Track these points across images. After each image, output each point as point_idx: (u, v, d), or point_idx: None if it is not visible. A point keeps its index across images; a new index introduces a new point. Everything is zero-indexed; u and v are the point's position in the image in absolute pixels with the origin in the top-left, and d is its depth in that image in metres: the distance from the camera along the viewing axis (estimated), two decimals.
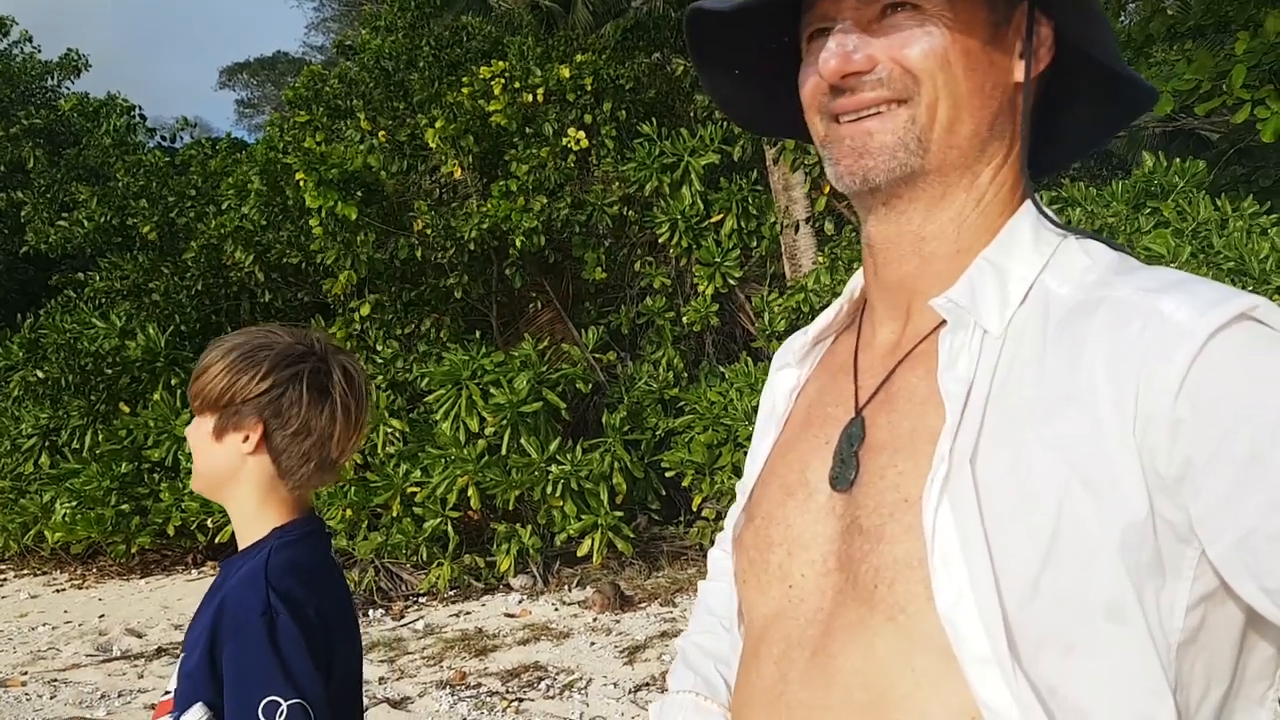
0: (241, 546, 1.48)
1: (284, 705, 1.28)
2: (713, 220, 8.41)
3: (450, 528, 7.26)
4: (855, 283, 1.04)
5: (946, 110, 0.85)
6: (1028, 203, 0.90)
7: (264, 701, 1.27)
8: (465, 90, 8.60)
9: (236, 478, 1.47)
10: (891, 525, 0.82)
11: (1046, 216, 0.90)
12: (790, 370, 1.06)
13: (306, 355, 1.48)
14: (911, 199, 0.88)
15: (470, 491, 7.17)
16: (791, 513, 0.93)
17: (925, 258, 0.90)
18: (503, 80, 8.63)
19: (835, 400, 0.96)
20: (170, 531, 8.14)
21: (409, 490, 7.39)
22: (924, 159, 0.86)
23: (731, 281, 8.31)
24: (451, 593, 7.21)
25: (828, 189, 7.70)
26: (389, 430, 7.80)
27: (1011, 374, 0.81)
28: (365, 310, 8.49)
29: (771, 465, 1.01)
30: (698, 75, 1.03)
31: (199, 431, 1.49)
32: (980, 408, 0.80)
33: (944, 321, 0.87)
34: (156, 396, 8.82)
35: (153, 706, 4.11)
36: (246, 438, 1.45)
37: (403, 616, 6.85)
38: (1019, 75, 0.88)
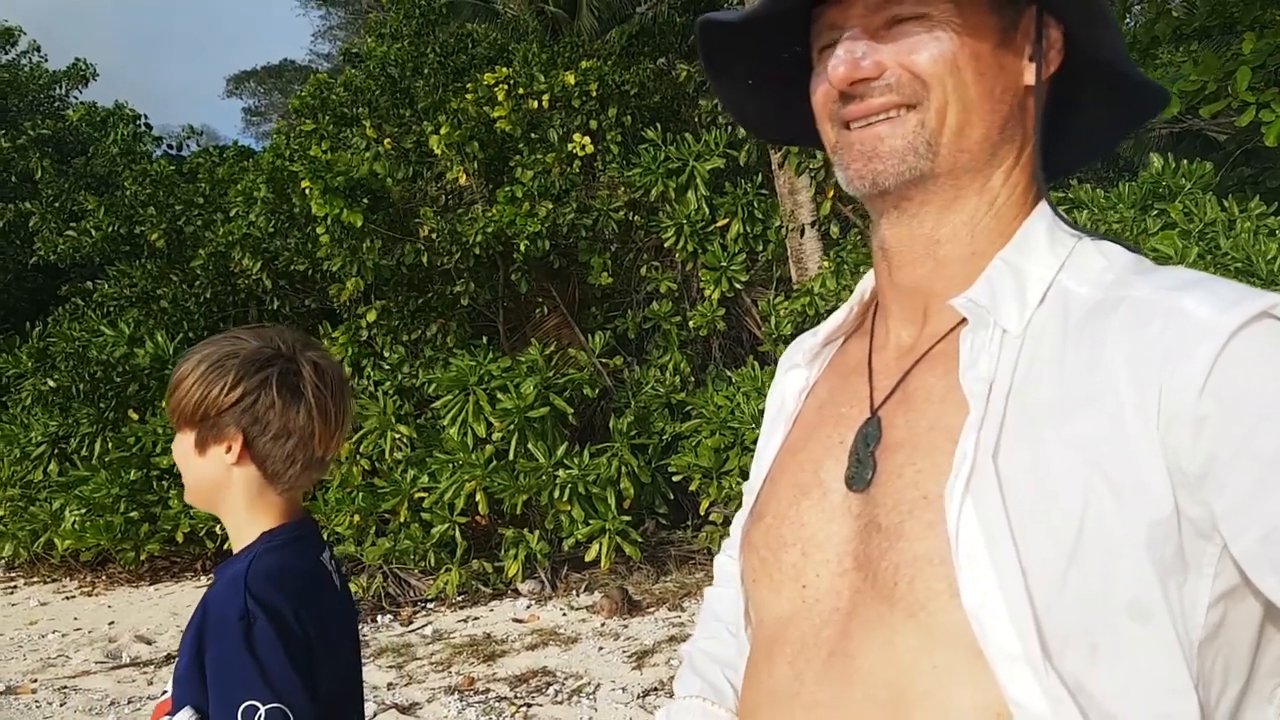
0: (235, 552, 1.49)
1: (262, 710, 1.28)
2: (718, 224, 8.42)
3: (458, 533, 7.26)
4: (865, 285, 1.05)
5: (956, 115, 0.86)
6: (1042, 205, 0.91)
7: (243, 705, 1.28)
8: (470, 97, 8.62)
9: (226, 487, 1.47)
10: (911, 523, 0.82)
11: (1061, 218, 0.91)
12: (799, 371, 1.07)
13: (274, 358, 1.47)
14: (923, 202, 0.89)
15: (478, 497, 7.17)
16: (805, 512, 0.93)
17: (940, 260, 0.91)
18: (507, 86, 8.65)
19: (849, 401, 0.96)
20: (179, 538, 8.17)
21: (417, 496, 7.41)
22: (934, 162, 0.87)
23: (738, 285, 8.31)
24: (460, 598, 7.22)
25: (832, 193, 7.71)
26: (396, 436, 7.81)
27: (1031, 373, 0.82)
28: (372, 316, 8.51)
29: (781, 465, 1.01)
30: (711, 85, 1.04)
31: (182, 447, 1.49)
32: (1001, 406, 0.81)
33: (961, 323, 0.88)
34: (163, 403, 8.83)
35: None
36: (229, 448, 1.45)
37: (411, 622, 6.86)
38: (1029, 79, 0.89)
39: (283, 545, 1.46)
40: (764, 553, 0.97)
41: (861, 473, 0.89)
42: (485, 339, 8.74)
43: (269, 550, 1.44)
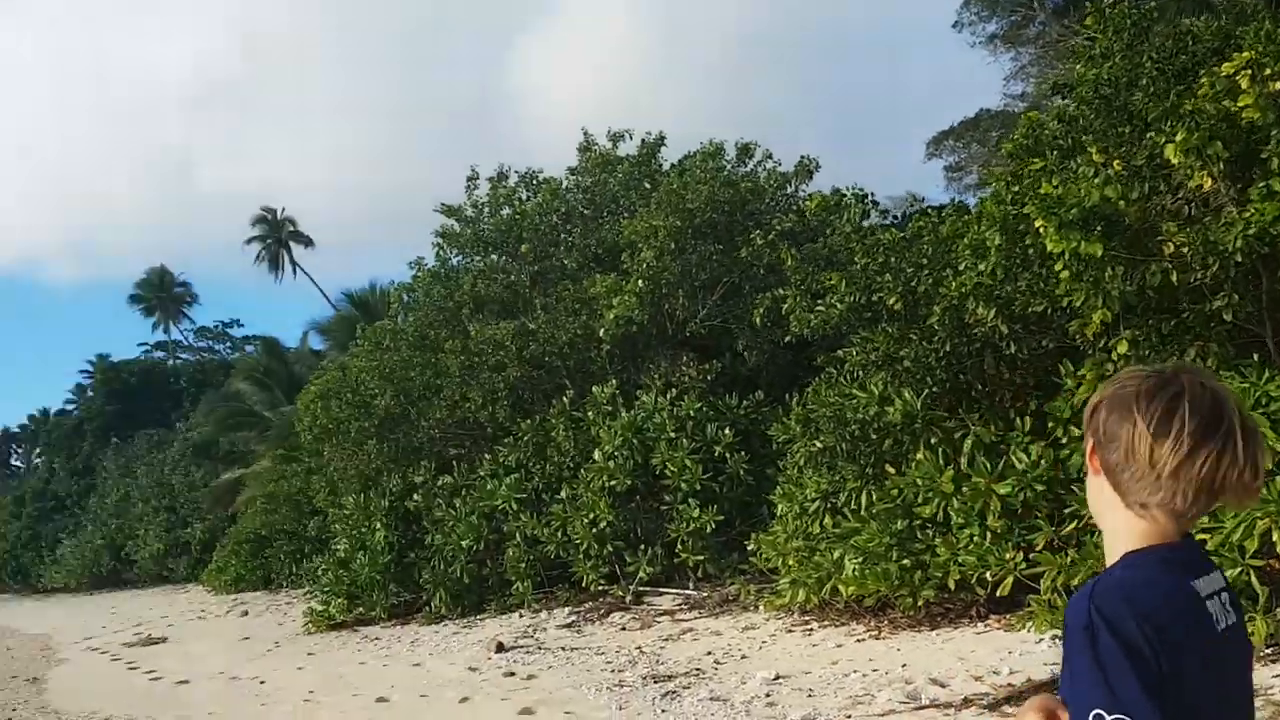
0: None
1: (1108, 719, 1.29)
2: None
3: (1252, 578, 6.49)
4: None
5: None
6: None
7: (1090, 714, 1.31)
8: (1205, 94, 7.80)
9: (1100, 505, 1.52)
10: None
11: None
12: None
13: (1147, 379, 1.47)
14: None
15: (1275, 536, 6.32)
16: None
17: None
18: (1250, 72, 7.64)
19: None
20: (950, 585, 8.46)
21: (1198, 537, 6.71)
22: None
23: None
24: (1268, 651, 6.36)
25: None
26: None
27: None
28: (1123, 348, 8.03)
29: None
30: None
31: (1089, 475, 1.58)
32: None
33: None
34: (919, 456, 9.33)
35: None
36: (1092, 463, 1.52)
37: None
38: None
39: (1140, 566, 1.44)
40: None
41: None
42: (1255, 356, 7.71)
43: (1123, 568, 1.45)
